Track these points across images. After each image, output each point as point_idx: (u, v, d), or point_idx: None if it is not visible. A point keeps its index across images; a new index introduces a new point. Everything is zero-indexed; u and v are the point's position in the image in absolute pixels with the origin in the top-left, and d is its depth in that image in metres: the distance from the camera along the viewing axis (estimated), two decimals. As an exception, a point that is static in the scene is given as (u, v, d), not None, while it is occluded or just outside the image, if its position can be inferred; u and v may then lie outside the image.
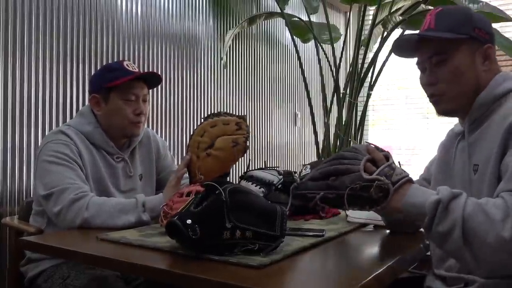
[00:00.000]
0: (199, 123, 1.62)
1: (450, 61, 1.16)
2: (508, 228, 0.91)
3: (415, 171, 1.51)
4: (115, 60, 2.45)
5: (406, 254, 1.16)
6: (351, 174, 1.01)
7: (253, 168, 1.75)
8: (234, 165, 1.64)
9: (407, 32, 3.07)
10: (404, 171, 1.02)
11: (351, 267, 1.01)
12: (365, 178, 0.98)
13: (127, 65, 1.65)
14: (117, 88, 1.62)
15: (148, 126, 2.47)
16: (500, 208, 0.94)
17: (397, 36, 1.27)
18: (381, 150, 1.08)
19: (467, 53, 1.16)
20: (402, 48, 1.26)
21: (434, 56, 1.18)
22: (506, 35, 2.84)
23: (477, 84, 1.16)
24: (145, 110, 1.68)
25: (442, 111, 1.23)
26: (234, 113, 1.67)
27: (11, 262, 1.74)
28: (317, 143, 3.43)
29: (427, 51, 1.20)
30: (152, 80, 1.72)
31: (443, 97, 1.20)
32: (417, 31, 1.24)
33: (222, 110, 1.88)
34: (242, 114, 1.65)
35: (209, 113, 1.76)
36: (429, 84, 1.21)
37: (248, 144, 1.58)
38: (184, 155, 1.65)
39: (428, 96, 1.24)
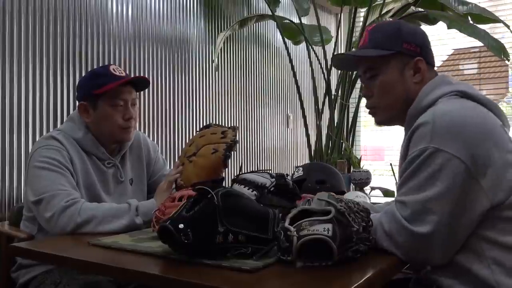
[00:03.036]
0: (190, 127, 1.64)
1: (380, 76, 1.24)
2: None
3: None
4: (105, 63, 2.44)
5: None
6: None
7: (245, 171, 1.75)
8: (225, 169, 1.65)
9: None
10: (326, 231, 0.99)
11: (343, 270, 1.01)
12: (281, 226, 1.03)
13: (113, 69, 1.62)
14: (105, 94, 1.60)
15: (139, 129, 2.46)
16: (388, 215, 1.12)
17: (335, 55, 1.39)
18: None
19: (396, 68, 1.22)
20: (343, 65, 1.39)
21: (368, 71, 1.26)
22: (495, 36, 2.86)
23: (406, 96, 1.22)
24: (135, 114, 1.66)
25: (378, 122, 1.31)
26: (226, 125, 1.73)
27: (1, 268, 1.72)
28: (309, 145, 3.44)
29: (362, 67, 1.28)
30: (140, 83, 1.70)
31: (376, 109, 1.28)
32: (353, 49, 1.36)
33: (213, 122, 1.95)
34: (234, 125, 1.69)
35: (201, 126, 1.82)
36: (365, 97, 1.30)
37: (230, 152, 1.60)
38: (176, 160, 1.70)
39: (366, 108, 1.32)
